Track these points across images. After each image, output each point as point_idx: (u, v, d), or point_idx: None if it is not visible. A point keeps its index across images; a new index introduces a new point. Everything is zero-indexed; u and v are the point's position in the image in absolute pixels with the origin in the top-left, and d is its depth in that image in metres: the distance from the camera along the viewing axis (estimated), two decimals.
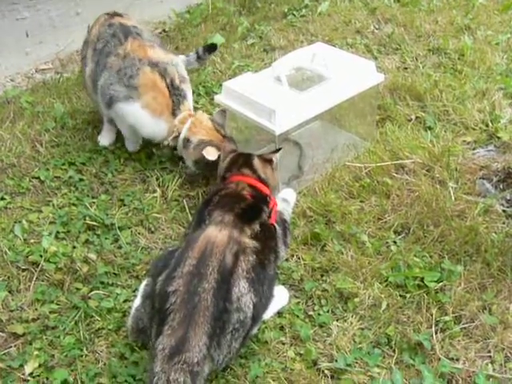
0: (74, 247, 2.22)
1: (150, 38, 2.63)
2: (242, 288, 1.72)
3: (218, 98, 2.54)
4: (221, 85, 2.60)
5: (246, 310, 1.71)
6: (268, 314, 1.91)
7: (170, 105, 2.46)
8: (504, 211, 2.31)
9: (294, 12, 4.11)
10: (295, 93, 2.40)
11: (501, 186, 2.45)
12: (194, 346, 1.62)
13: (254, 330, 1.82)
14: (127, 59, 2.48)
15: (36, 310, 1.99)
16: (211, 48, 3.21)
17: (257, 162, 2.16)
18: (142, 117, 2.46)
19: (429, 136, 2.68)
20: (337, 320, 1.92)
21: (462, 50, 3.38)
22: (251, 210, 1.97)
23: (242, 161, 2.17)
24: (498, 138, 2.70)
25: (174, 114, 2.48)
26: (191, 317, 1.65)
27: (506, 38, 3.55)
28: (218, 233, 1.81)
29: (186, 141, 2.44)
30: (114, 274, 2.12)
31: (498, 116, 2.80)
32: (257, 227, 1.90)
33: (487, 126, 2.76)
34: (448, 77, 3.16)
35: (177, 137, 2.46)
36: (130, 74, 2.45)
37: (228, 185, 2.09)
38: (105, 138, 2.75)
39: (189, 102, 2.55)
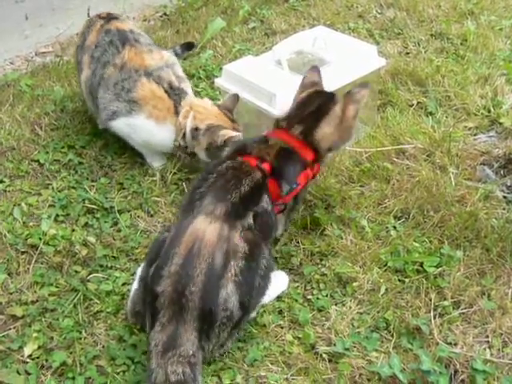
0: (74, 230, 2.22)
1: (147, 42, 2.60)
2: (229, 291, 1.68)
3: (218, 82, 2.53)
4: (221, 68, 2.59)
5: (232, 309, 1.69)
6: (267, 299, 1.91)
7: (172, 107, 2.41)
8: (504, 197, 2.30)
9: None
10: (296, 76, 2.39)
11: (501, 172, 2.44)
12: (186, 340, 1.64)
13: (247, 319, 1.80)
14: (124, 71, 2.43)
15: (35, 292, 2.00)
16: (189, 46, 3.20)
17: (336, 110, 2.00)
18: (148, 127, 2.41)
19: (430, 121, 2.67)
20: (335, 304, 1.92)
21: (465, 35, 3.35)
22: (251, 194, 1.83)
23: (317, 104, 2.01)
24: (500, 123, 2.68)
25: (177, 113, 2.42)
26: (179, 315, 1.65)
27: (510, 23, 3.51)
28: (206, 227, 1.73)
29: (195, 130, 2.37)
30: (113, 257, 2.12)
31: (500, 102, 2.78)
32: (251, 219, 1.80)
33: (489, 111, 2.75)
34: (450, 62, 3.14)
35: (184, 133, 2.40)
36: (128, 87, 2.41)
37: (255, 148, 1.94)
38: None
39: (189, 96, 2.49)
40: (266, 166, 1.89)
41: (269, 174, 1.88)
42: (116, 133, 2.52)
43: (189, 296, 1.65)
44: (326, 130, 2.00)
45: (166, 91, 2.41)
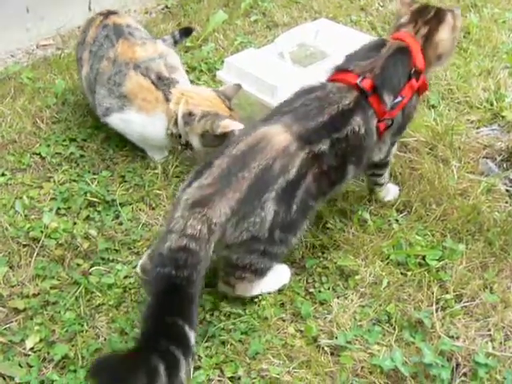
0: (75, 223, 2.22)
1: (142, 35, 2.58)
2: (271, 198, 1.75)
3: (219, 74, 2.52)
4: (223, 61, 2.58)
5: (266, 216, 1.74)
6: (267, 289, 1.92)
7: (161, 96, 2.37)
8: (507, 190, 2.29)
9: None
10: (298, 69, 2.38)
11: (504, 166, 2.43)
12: (217, 208, 1.69)
13: (264, 254, 1.81)
14: (116, 64, 2.43)
15: (37, 285, 1.99)
16: (187, 31, 3.16)
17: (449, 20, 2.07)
18: (140, 120, 2.40)
19: (432, 114, 2.66)
20: (337, 297, 1.92)
21: (468, 28, 3.34)
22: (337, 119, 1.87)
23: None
24: (503, 117, 2.67)
25: (167, 101, 2.38)
26: (223, 188, 1.72)
27: None
28: (280, 134, 1.81)
29: (188, 115, 2.34)
30: (115, 250, 2.12)
31: (502, 95, 2.77)
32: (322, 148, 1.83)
33: (492, 104, 2.74)
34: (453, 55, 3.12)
35: (176, 120, 2.37)
36: (119, 81, 2.41)
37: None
38: None
39: (180, 85, 2.44)
40: (366, 84, 1.92)
41: (369, 92, 1.91)
42: (113, 128, 2.52)
43: (240, 179, 1.73)
44: (443, 35, 2.06)
45: (152, 82, 2.39)
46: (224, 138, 2.27)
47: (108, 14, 2.65)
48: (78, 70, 2.72)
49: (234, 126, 2.26)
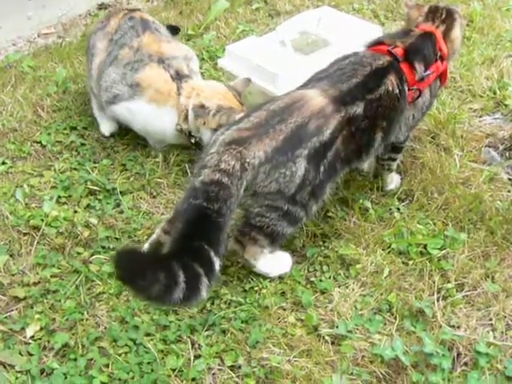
0: (76, 212, 2.21)
1: (167, 35, 2.59)
2: (302, 158, 1.80)
3: (221, 62, 2.51)
4: (225, 49, 2.57)
5: (296, 170, 1.80)
6: (268, 270, 1.94)
7: (174, 90, 2.35)
8: (509, 179, 2.29)
9: None
10: (299, 57, 2.37)
11: (507, 154, 2.42)
12: (252, 150, 1.76)
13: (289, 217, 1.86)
14: (138, 53, 2.42)
15: (37, 273, 1.99)
16: (174, 30, 3.12)
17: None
18: (149, 112, 2.36)
19: (435, 103, 2.64)
20: (338, 286, 1.92)
21: (471, 16, 3.31)
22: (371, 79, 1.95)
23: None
24: (506, 105, 2.66)
25: (179, 95, 2.36)
26: (260, 134, 1.78)
27: None
28: (316, 97, 1.87)
29: (200, 107, 2.31)
30: (115, 238, 2.12)
31: (505, 83, 2.75)
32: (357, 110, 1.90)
33: (495, 93, 2.72)
34: None
35: (187, 115, 2.34)
36: (137, 68, 2.39)
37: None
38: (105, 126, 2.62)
39: (193, 80, 2.43)
40: (398, 51, 2.00)
41: (401, 57, 1.99)
42: (117, 118, 2.49)
43: (276, 130, 1.80)
44: (457, 33, 2.16)
45: (171, 76, 2.37)
46: None
47: (134, 10, 2.68)
48: (87, 60, 2.67)
49: None
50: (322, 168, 1.85)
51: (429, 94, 2.09)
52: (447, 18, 2.15)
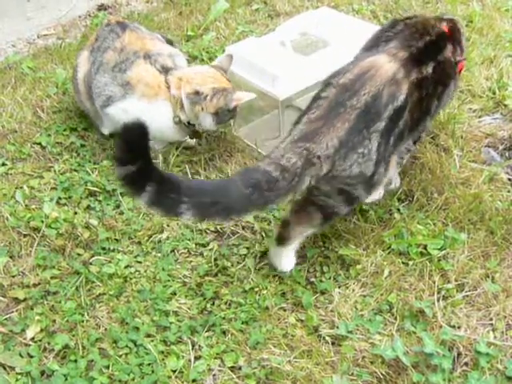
0: (76, 213, 2.21)
1: (150, 33, 2.57)
2: (378, 132, 1.77)
3: None
4: (224, 50, 2.57)
5: (371, 147, 1.77)
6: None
7: (163, 81, 2.34)
8: (509, 179, 2.28)
9: None
10: (299, 58, 2.37)
11: (506, 154, 2.42)
12: (322, 142, 1.72)
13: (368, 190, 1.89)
14: (123, 53, 2.40)
15: (37, 275, 1.99)
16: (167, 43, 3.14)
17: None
18: (142, 107, 2.33)
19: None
20: (339, 287, 1.92)
21: (471, 17, 3.31)
22: (434, 44, 1.95)
23: None
24: (505, 105, 2.65)
25: (169, 88, 2.35)
26: (331, 120, 1.74)
27: None
28: (386, 63, 1.83)
29: (194, 94, 2.30)
30: (116, 239, 2.12)
31: (505, 83, 2.75)
32: (429, 70, 1.89)
33: (494, 93, 2.72)
34: None
35: (182, 104, 2.34)
36: (124, 68, 2.37)
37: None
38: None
39: (177, 71, 2.41)
40: (445, 28, 2.01)
41: (448, 34, 2.01)
42: (114, 122, 2.44)
43: (348, 108, 1.75)
44: (464, 42, 2.15)
45: (157, 70, 2.36)
46: (234, 111, 2.32)
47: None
48: (72, 81, 2.65)
49: (246, 96, 2.29)
50: (391, 139, 1.84)
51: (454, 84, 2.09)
52: (455, 28, 2.13)
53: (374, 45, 1.98)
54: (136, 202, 2.25)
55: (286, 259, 1.96)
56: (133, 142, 1.51)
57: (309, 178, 1.72)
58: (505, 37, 3.13)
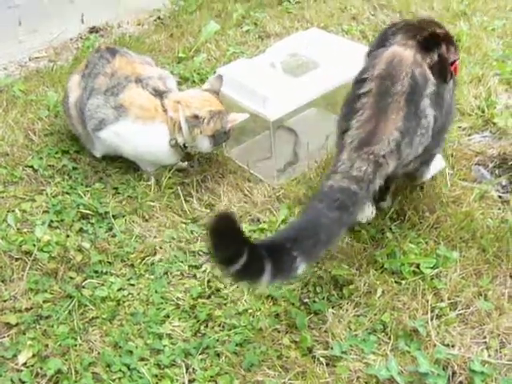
0: (68, 236, 2.20)
1: (139, 57, 2.60)
2: (427, 103, 1.86)
3: None
4: (215, 72, 2.58)
5: (429, 123, 1.86)
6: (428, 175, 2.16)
7: (159, 104, 2.36)
8: (500, 197, 2.30)
9: None
10: (289, 79, 2.39)
11: (496, 172, 2.44)
12: (383, 140, 1.76)
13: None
14: (114, 78, 2.41)
15: (29, 299, 1.98)
16: None
17: None
18: (137, 130, 2.35)
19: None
20: (332, 307, 1.91)
21: (458, 36, 3.34)
22: (432, 39, 1.99)
23: None
24: (494, 123, 2.67)
25: (165, 111, 2.37)
26: (383, 113, 1.79)
27: (502, 23, 3.51)
28: (402, 51, 1.90)
29: (194, 118, 2.33)
30: (108, 262, 2.11)
31: (493, 102, 2.78)
32: (435, 57, 1.95)
33: (483, 111, 2.74)
34: None
35: (180, 127, 2.36)
36: (116, 92, 2.38)
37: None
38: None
39: (173, 94, 2.44)
40: (436, 28, 2.08)
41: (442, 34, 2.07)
42: (106, 145, 2.46)
43: (395, 96, 1.81)
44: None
45: (150, 93, 2.38)
46: (229, 133, 2.37)
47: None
48: (62, 105, 2.67)
49: (240, 117, 2.33)
50: (443, 111, 1.93)
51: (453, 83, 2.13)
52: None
53: (382, 43, 2.03)
54: (128, 224, 2.25)
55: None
56: (227, 236, 1.49)
57: (379, 180, 1.78)
58: (492, 56, 3.17)
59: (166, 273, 2.07)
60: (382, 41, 2.04)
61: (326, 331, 1.83)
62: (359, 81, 1.90)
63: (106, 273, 2.07)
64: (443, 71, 1.99)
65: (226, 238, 1.48)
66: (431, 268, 1.98)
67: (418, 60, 1.89)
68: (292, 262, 1.58)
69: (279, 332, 1.85)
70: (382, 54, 1.93)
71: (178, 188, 2.39)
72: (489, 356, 1.74)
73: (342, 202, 1.68)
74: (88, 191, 2.41)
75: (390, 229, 2.16)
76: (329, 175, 1.79)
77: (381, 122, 1.78)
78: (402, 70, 1.85)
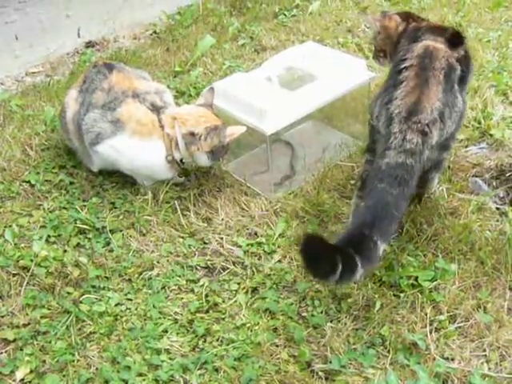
0: (65, 251, 2.20)
1: (135, 72, 2.61)
2: (457, 88, 1.97)
3: None
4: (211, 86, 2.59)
5: (460, 104, 1.97)
6: None
7: (156, 120, 2.37)
8: (497, 208, 2.29)
9: (285, 12, 4.10)
10: (286, 92, 2.39)
11: (494, 184, 2.43)
12: (427, 108, 1.86)
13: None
14: (111, 93, 2.42)
15: (27, 315, 1.97)
16: None
17: None
18: (134, 145, 2.35)
19: None
20: (330, 321, 1.90)
21: None
22: (457, 37, 2.11)
23: None
24: (491, 135, 2.68)
25: (162, 127, 2.38)
26: (425, 84, 1.90)
27: (497, 35, 3.54)
28: (434, 44, 2.02)
29: (191, 135, 2.34)
30: (106, 277, 2.10)
31: (490, 113, 2.79)
32: (461, 52, 2.06)
33: (479, 123, 2.75)
34: None
35: (177, 143, 2.36)
36: (114, 107, 2.38)
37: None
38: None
39: (170, 109, 2.44)
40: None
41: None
42: (103, 159, 2.46)
43: (435, 71, 1.93)
44: None
45: (148, 108, 2.39)
46: (228, 146, 2.38)
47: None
48: (59, 119, 2.67)
49: (238, 130, 2.34)
50: (464, 95, 2.03)
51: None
52: None
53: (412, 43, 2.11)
54: (125, 239, 2.25)
55: None
56: (319, 254, 1.63)
57: (427, 151, 1.86)
58: (487, 67, 3.19)
59: (163, 287, 2.06)
60: (411, 43, 2.12)
61: (324, 345, 1.83)
62: (399, 61, 2.01)
63: (103, 288, 2.06)
64: (468, 66, 2.11)
65: (319, 257, 1.63)
66: (430, 281, 1.98)
67: (449, 52, 2.00)
68: (375, 247, 1.70)
69: (277, 346, 1.84)
70: (416, 45, 2.04)
71: (176, 202, 2.39)
72: (489, 369, 1.74)
73: (402, 177, 1.80)
74: (85, 206, 2.40)
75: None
76: (383, 153, 1.86)
77: (424, 92, 1.88)
78: (438, 53, 1.97)
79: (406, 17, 2.30)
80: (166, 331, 1.91)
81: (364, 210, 1.82)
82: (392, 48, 2.26)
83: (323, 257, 1.62)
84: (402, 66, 1.98)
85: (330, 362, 1.76)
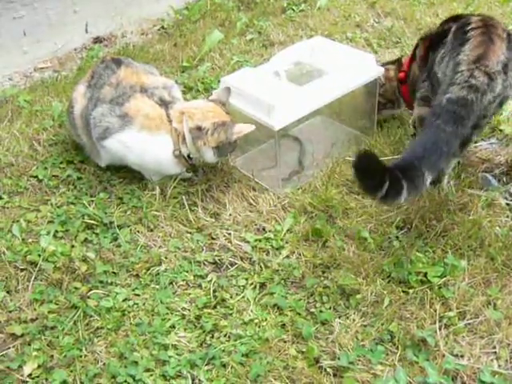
0: (73, 246, 2.20)
1: (143, 67, 2.60)
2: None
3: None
4: (219, 81, 2.58)
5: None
6: None
7: (164, 114, 2.36)
8: (508, 204, 2.28)
9: (293, 7, 4.09)
10: (294, 87, 2.38)
11: (504, 179, 2.42)
12: (493, 60, 1.98)
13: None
14: (119, 88, 2.41)
15: (35, 310, 1.97)
16: None
17: None
18: (142, 140, 2.34)
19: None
20: (339, 317, 1.90)
21: None
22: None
23: None
24: (501, 130, 2.66)
25: (170, 121, 2.37)
26: (491, 41, 2.02)
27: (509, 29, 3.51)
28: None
29: (197, 130, 2.33)
30: (113, 272, 2.10)
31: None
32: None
33: None
34: None
35: (184, 138, 2.36)
36: (122, 101, 2.37)
37: None
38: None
39: (178, 104, 2.43)
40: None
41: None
42: (111, 154, 2.45)
43: (498, 30, 2.07)
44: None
45: (156, 103, 2.38)
46: (235, 143, 2.36)
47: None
48: (67, 115, 2.66)
49: (246, 128, 2.31)
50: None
51: None
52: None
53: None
54: (133, 234, 2.24)
55: None
56: (371, 169, 1.80)
57: (488, 97, 1.95)
58: None
59: (171, 283, 2.06)
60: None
61: (332, 341, 1.82)
62: (464, 25, 2.12)
63: (111, 283, 2.06)
64: None
65: (370, 171, 1.79)
66: (439, 277, 1.96)
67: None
68: (422, 177, 1.83)
69: (285, 342, 1.83)
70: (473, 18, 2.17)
71: (183, 197, 2.38)
72: (499, 366, 1.72)
73: (458, 114, 1.88)
74: (93, 201, 2.40)
75: (397, 237, 2.14)
76: (446, 89, 1.96)
77: (489, 47, 2.00)
78: (497, 27, 2.09)
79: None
80: (174, 327, 1.90)
81: (417, 143, 1.94)
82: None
83: (373, 172, 1.78)
84: (469, 27, 2.07)
85: (339, 359, 1.75)
